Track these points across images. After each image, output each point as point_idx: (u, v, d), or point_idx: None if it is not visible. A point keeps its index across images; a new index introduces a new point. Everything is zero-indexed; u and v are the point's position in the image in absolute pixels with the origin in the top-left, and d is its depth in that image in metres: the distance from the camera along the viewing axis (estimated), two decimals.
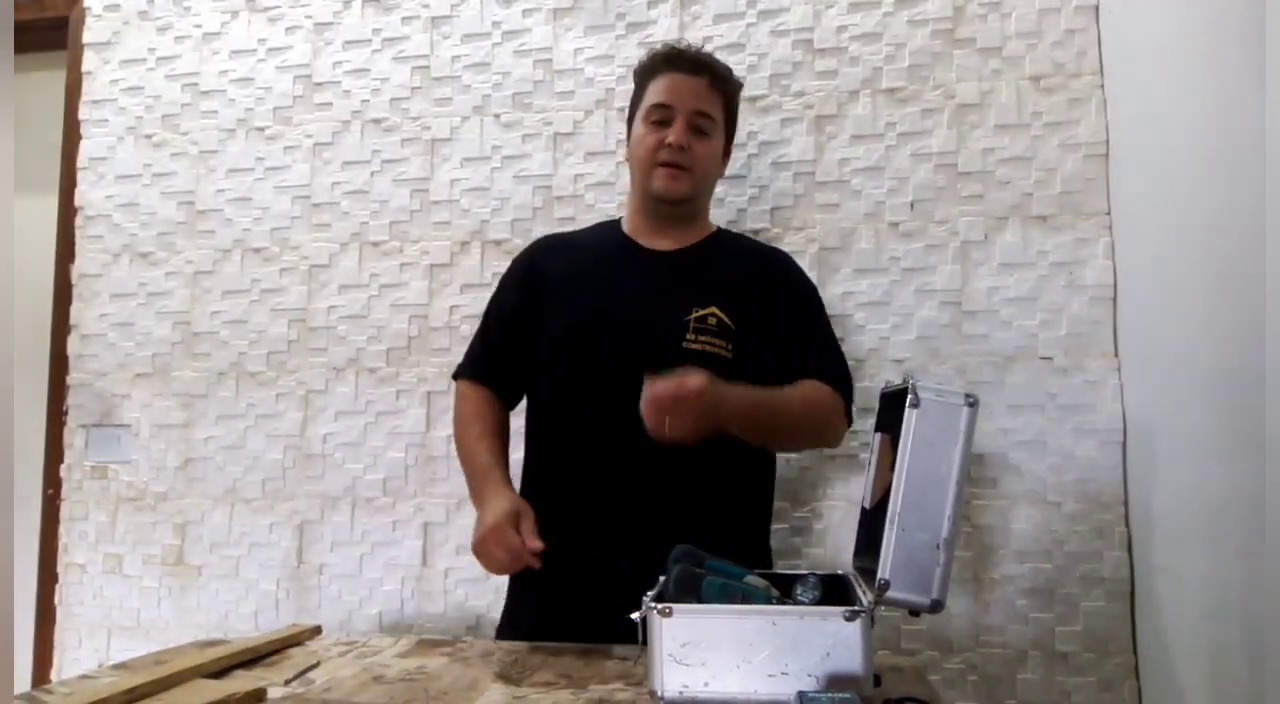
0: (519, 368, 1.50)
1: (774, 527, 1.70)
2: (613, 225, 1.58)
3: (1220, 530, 1.23)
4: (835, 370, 1.44)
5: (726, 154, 1.55)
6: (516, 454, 1.51)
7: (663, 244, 1.49)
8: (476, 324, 1.61)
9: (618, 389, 1.32)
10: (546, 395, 1.47)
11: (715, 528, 1.28)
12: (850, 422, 1.47)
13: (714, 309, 1.39)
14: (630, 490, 1.32)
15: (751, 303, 1.42)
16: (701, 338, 1.37)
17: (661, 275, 1.46)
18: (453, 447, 1.82)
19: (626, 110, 1.57)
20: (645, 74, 1.50)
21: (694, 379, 1.18)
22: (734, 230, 1.68)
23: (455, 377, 1.57)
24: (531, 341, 1.47)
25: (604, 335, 1.40)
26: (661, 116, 1.44)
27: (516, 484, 1.46)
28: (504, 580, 1.50)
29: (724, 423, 1.25)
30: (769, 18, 1.82)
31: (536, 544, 1.24)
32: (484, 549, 1.28)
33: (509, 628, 1.44)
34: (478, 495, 1.38)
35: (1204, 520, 1.29)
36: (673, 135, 1.42)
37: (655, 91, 1.46)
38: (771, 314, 1.43)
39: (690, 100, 1.44)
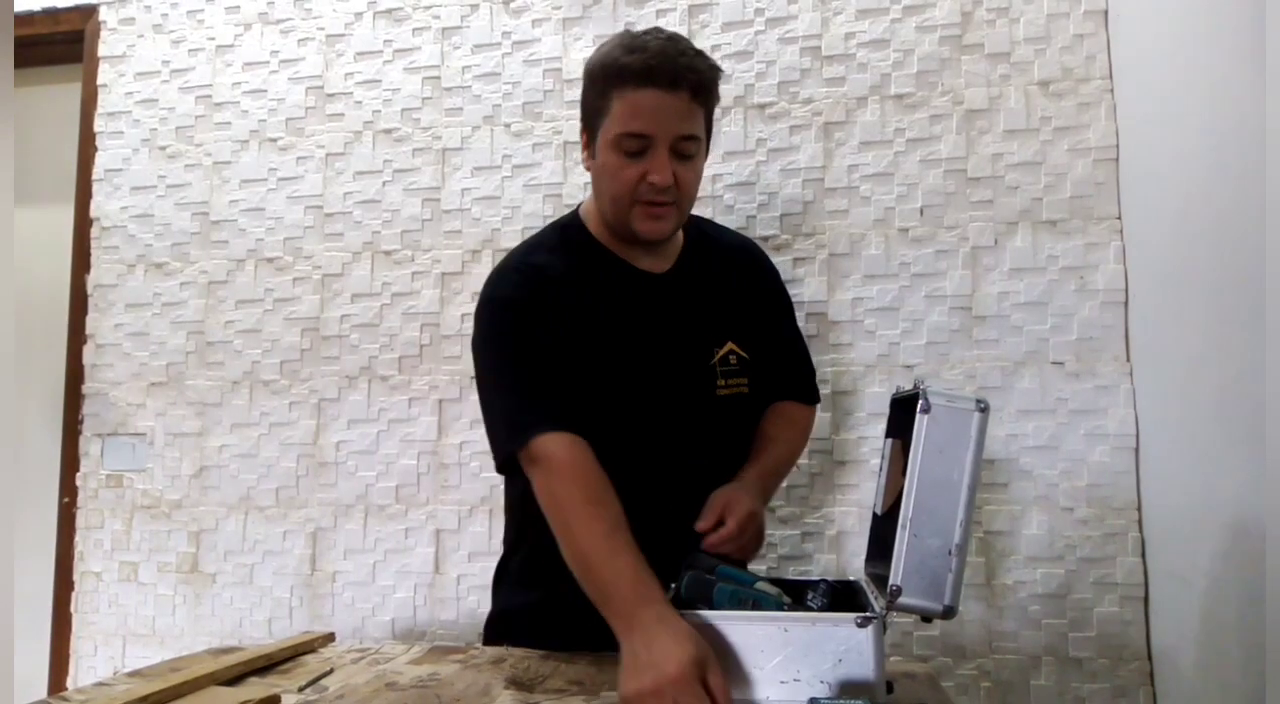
0: (586, 407, 1.20)
1: (786, 532, 1.71)
2: (577, 230, 1.31)
3: (1234, 535, 1.22)
4: (803, 374, 1.46)
5: (706, 153, 1.29)
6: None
7: (649, 262, 1.30)
8: None
9: (653, 443, 1.26)
10: None
11: None
12: (816, 400, 1.49)
13: (731, 345, 1.33)
14: (659, 532, 1.15)
15: (749, 319, 1.37)
16: (731, 382, 1.32)
17: (667, 308, 1.30)
18: (464, 453, 1.86)
19: (580, 108, 1.26)
20: (609, 81, 1.18)
21: (742, 510, 1.20)
22: (696, 215, 1.39)
23: (522, 440, 1.16)
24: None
25: (632, 391, 1.25)
26: (637, 147, 1.17)
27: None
28: None
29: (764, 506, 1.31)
30: (777, 25, 1.83)
31: None
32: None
33: (504, 627, 1.35)
34: (630, 619, 1.00)
35: (1218, 525, 1.29)
36: (656, 174, 1.17)
37: (627, 114, 1.17)
38: (754, 318, 1.38)
39: (672, 124, 1.17)
